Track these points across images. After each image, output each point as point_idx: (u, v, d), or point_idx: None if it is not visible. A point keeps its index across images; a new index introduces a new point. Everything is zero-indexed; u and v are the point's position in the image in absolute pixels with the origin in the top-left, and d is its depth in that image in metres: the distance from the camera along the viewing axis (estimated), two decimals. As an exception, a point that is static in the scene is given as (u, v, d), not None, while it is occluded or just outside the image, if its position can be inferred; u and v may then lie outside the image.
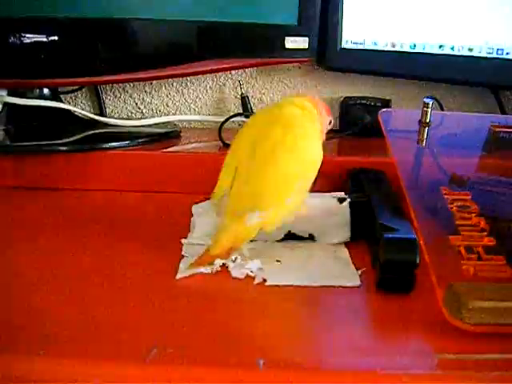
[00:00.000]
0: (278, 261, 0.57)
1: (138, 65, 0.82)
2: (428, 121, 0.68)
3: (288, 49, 0.87)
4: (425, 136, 0.69)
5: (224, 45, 0.85)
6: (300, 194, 0.56)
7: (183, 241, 0.60)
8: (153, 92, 1.00)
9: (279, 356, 0.43)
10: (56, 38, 0.77)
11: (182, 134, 0.89)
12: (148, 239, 0.62)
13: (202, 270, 0.54)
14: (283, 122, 0.57)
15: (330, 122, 0.64)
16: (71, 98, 0.99)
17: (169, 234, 0.62)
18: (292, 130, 0.56)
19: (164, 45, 0.84)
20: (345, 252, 0.59)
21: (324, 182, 0.73)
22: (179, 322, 0.47)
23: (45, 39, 0.77)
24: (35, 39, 0.77)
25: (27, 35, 0.76)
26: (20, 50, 0.77)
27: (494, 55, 0.84)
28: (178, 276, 0.54)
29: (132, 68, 0.82)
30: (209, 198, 0.60)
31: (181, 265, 0.56)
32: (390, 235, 0.52)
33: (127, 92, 1.00)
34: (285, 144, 0.55)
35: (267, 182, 0.55)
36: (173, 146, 0.83)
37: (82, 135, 0.83)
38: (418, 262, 0.50)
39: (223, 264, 0.55)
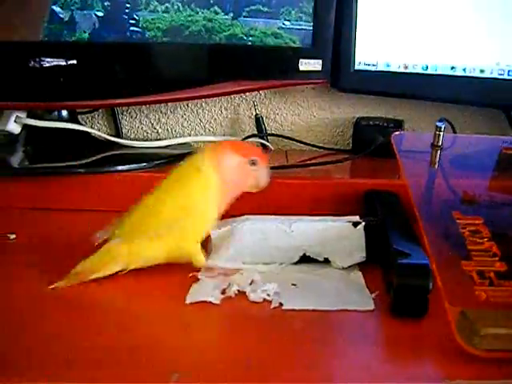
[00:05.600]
0: (293, 285, 0.58)
1: (155, 87, 0.83)
2: (440, 144, 0.69)
3: (302, 71, 0.88)
4: (437, 159, 0.69)
5: (239, 67, 0.86)
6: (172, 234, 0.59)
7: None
8: (168, 113, 1.01)
9: (294, 378, 0.44)
10: (75, 61, 0.79)
11: (197, 155, 0.90)
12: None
13: (212, 299, 0.54)
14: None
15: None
16: (88, 118, 1.01)
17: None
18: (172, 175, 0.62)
19: (180, 68, 0.85)
20: (359, 276, 0.60)
21: (337, 204, 0.74)
22: (197, 346, 0.48)
23: (64, 63, 0.78)
24: (54, 63, 0.78)
25: (47, 59, 0.78)
26: (40, 74, 0.78)
27: (506, 76, 0.85)
28: (188, 301, 0.55)
29: (148, 91, 0.83)
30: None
31: (191, 289, 0.57)
32: (404, 261, 0.53)
33: (143, 112, 1.01)
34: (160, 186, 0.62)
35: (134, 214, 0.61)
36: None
37: (99, 156, 0.84)
38: (430, 287, 0.51)
39: (238, 290, 0.56)
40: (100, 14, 0.79)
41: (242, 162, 0.61)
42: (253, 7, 0.84)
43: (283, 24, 0.86)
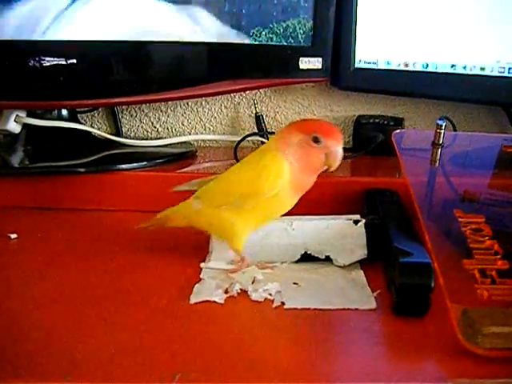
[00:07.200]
0: (295, 283, 0.58)
1: (154, 86, 0.83)
2: (441, 142, 0.69)
3: (302, 69, 0.88)
4: (438, 157, 0.69)
5: (238, 66, 0.86)
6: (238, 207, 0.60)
7: (202, 265, 0.61)
8: (168, 111, 1.01)
9: (295, 377, 0.44)
10: (74, 60, 0.78)
11: (197, 153, 0.91)
12: (166, 261, 0.63)
13: (216, 299, 0.54)
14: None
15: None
16: (88, 117, 1.01)
17: (187, 256, 0.63)
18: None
19: (179, 66, 0.85)
20: (361, 274, 0.60)
21: (338, 202, 0.74)
22: (199, 346, 0.48)
23: (63, 62, 0.78)
24: (54, 62, 0.78)
25: (46, 58, 0.77)
26: (39, 73, 0.78)
27: (506, 74, 0.84)
28: (192, 301, 0.55)
29: (148, 89, 0.83)
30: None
31: (194, 289, 0.57)
32: (406, 259, 0.53)
33: (143, 111, 1.01)
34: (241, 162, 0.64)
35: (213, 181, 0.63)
36: (189, 165, 0.85)
37: (99, 156, 0.84)
38: (432, 286, 0.51)
39: (241, 289, 0.56)
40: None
41: (303, 139, 0.58)
42: (223, 28, 0.84)
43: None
